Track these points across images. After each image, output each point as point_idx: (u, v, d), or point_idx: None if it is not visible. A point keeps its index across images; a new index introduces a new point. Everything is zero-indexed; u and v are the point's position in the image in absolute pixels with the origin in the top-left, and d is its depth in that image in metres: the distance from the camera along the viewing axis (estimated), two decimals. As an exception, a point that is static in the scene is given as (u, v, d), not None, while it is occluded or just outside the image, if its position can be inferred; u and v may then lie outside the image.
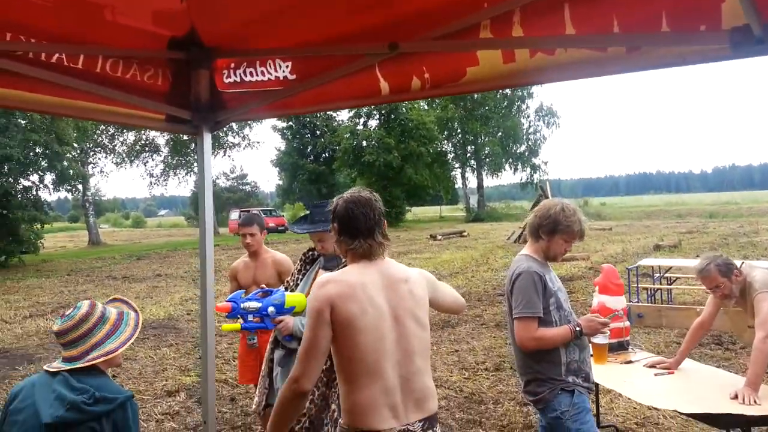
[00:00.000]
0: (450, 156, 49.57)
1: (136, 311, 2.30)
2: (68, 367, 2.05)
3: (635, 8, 1.64)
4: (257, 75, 2.45)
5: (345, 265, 2.35)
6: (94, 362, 2.06)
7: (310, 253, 3.37)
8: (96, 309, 2.18)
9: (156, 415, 5.43)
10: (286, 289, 3.28)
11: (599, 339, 3.59)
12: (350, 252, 2.17)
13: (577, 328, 2.81)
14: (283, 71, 2.39)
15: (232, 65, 2.52)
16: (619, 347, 4.13)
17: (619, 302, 4.26)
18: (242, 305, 2.88)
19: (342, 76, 2.24)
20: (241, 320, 2.95)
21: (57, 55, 2.15)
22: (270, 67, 2.41)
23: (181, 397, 5.94)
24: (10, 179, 21.00)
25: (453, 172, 50.05)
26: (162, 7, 2.12)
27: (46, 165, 22.70)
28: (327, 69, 2.27)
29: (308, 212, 3.34)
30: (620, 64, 1.71)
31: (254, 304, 2.89)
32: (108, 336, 2.14)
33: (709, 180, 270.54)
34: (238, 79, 2.51)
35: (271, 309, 2.91)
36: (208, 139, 2.63)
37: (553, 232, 2.89)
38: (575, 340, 2.85)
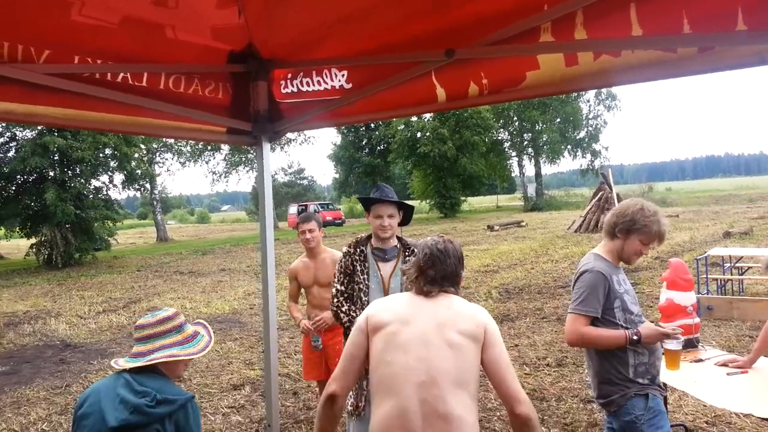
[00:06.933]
0: (506, 144, 48.80)
1: (210, 337, 2.40)
2: (132, 364, 2.16)
3: (707, 5, 1.54)
4: (314, 85, 2.47)
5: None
6: (154, 361, 2.17)
7: (358, 250, 3.42)
8: (177, 318, 2.31)
9: (222, 408, 5.60)
10: (357, 291, 3.39)
11: (672, 345, 3.42)
12: (410, 284, 2.24)
13: (635, 337, 2.71)
14: (339, 80, 2.40)
15: (289, 76, 2.55)
16: (688, 345, 3.96)
17: (688, 298, 4.09)
18: None
19: (398, 84, 2.23)
20: None
21: (122, 74, 2.24)
22: (326, 76, 2.43)
23: (246, 390, 6.11)
24: (82, 180, 22.05)
25: (509, 161, 49.29)
26: (221, 22, 2.16)
27: (115, 166, 23.70)
28: (383, 77, 2.26)
29: (378, 188, 3.44)
30: (692, 66, 1.61)
31: None
32: (176, 344, 2.25)
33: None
34: (295, 89, 2.53)
35: None
36: (267, 148, 2.67)
37: (629, 231, 2.79)
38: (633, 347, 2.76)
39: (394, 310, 2.14)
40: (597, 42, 1.73)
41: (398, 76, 2.21)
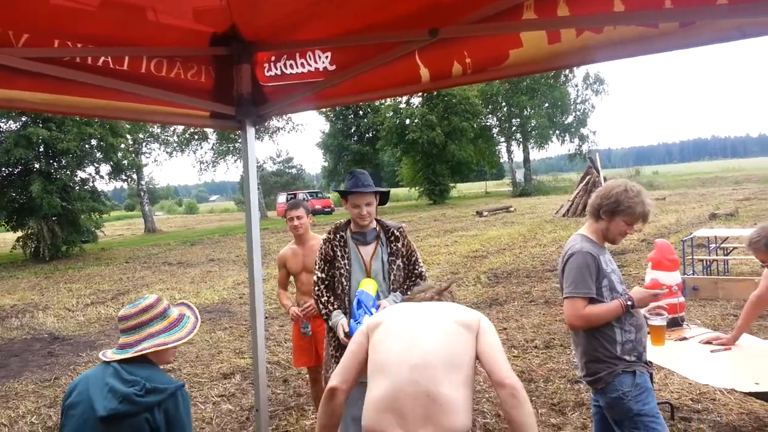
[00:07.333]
0: (495, 130, 48.84)
1: (196, 317, 2.39)
2: (120, 356, 2.14)
3: (689, -20, 1.54)
4: (297, 67, 2.45)
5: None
6: (143, 352, 2.15)
7: (338, 236, 3.44)
8: (160, 304, 2.27)
9: (213, 397, 5.61)
10: (337, 276, 3.40)
11: (656, 321, 3.48)
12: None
13: (629, 302, 2.75)
14: (323, 62, 2.38)
15: (273, 58, 2.53)
16: (673, 323, 4.02)
17: (673, 278, 4.15)
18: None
19: (382, 65, 2.21)
20: None
21: (102, 58, 2.20)
22: (310, 58, 2.41)
23: (236, 379, 6.12)
24: (68, 172, 21.77)
25: (498, 147, 49.37)
26: (202, 4, 2.13)
27: (101, 157, 23.36)
28: (367, 58, 2.24)
29: (353, 177, 3.42)
30: (673, 41, 1.61)
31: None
32: (163, 331, 2.22)
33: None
34: (279, 72, 2.51)
35: (374, 311, 3.11)
36: (251, 133, 2.66)
37: (614, 213, 2.81)
38: (629, 317, 2.79)
39: (392, 311, 2.26)
40: (579, 18, 1.73)
41: (382, 56, 2.19)
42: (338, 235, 3.45)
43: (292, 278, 4.59)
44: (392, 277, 3.39)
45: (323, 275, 3.44)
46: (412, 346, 2.05)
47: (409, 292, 3.36)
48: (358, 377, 2.20)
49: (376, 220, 3.49)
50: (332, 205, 39.81)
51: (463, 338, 2.08)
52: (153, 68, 2.33)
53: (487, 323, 2.17)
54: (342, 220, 3.56)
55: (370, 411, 2.03)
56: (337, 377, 2.16)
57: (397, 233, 3.46)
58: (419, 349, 2.03)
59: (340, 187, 3.50)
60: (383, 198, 3.50)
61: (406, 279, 3.46)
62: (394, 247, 3.42)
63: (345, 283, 3.37)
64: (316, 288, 3.44)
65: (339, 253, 3.40)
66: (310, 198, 37.48)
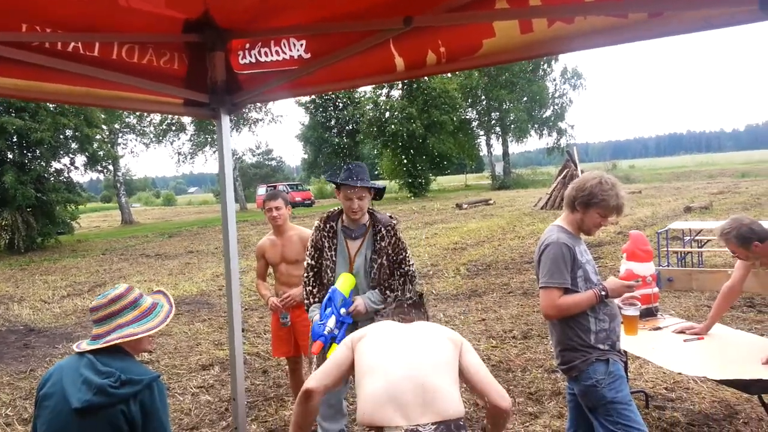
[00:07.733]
0: (474, 123, 48.99)
1: (170, 305, 2.36)
2: (92, 347, 2.11)
3: (657, -29, 1.56)
4: (272, 55, 2.43)
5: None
6: (112, 343, 2.11)
7: (328, 226, 3.42)
8: (131, 293, 2.24)
9: (191, 388, 5.58)
10: (322, 268, 3.43)
11: (630, 311, 3.54)
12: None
13: (602, 292, 2.80)
14: (298, 50, 2.37)
15: (247, 46, 2.50)
16: (647, 314, 4.09)
17: (647, 269, 4.20)
18: (325, 332, 3.05)
19: (357, 53, 2.21)
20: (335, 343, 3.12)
21: (72, 44, 2.16)
22: (284, 46, 2.39)
23: (215, 370, 6.09)
24: (42, 163, 21.39)
25: (477, 140, 49.55)
26: (174, -11, 2.11)
27: (76, 147, 23.01)
28: (341, 46, 2.23)
29: (348, 170, 3.38)
30: (642, 31, 1.64)
31: (332, 322, 3.08)
32: (133, 321, 2.18)
33: (742, 138, 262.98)
34: (253, 60, 2.49)
35: (343, 311, 3.15)
36: (226, 121, 2.63)
37: (588, 205, 2.85)
38: (603, 307, 2.84)
39: (376, 326, 2.32)
40: (550, 8, 1.75)
41: (357, 45, 2.18)
42: (328, 226, 3.45)
43: (271, 269, 4.58)
44: (373, 275, 3.39)
45: (312, 262, 3.47)
46: (403, 348, 2.14)
47: (387, 295, 3.37)
48: (335, 384, 2.24)
49: (370, 213, 3.47)
50: (312, 198, 39.66)
51: (448, 347, 2.19)
52: (124, 54, 2.29)
53: (468, 344, 2.29)
54: (335, 209, 3.54)
55: (368, 405, 2.05)
56: (314, 380, 2.19)
57: (384, 231, 3.43)
58: (410, 350, 2.13)
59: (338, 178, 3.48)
60: (379, 193, 3.49)
61: (390, 277, 3.45)
62: (379, 246, 3.40)
63: (330, 274, 3.40)
64: (305, 274, 3.49)
65: (327, 244, 3.41)
66: (290, 190, 37.31)
